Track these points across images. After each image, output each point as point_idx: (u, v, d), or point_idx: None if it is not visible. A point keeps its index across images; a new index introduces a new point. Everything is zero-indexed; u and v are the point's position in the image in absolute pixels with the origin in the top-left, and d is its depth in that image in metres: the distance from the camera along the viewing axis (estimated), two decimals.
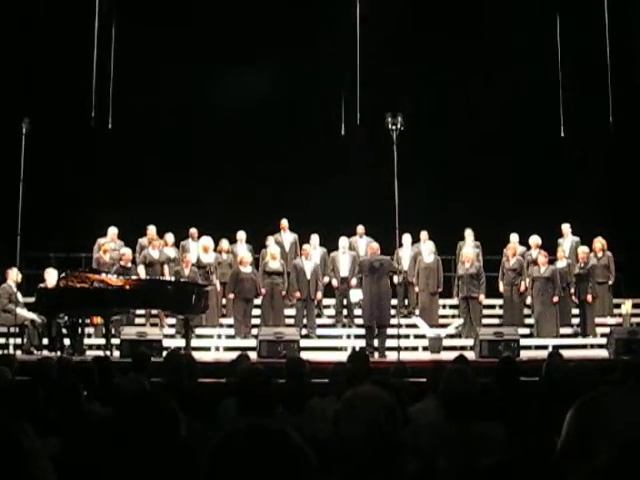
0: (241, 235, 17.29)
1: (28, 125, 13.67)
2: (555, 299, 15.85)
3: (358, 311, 15.83)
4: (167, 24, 18.49)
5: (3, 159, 15.61)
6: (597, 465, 1.81)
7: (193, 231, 17.15)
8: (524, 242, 16.99)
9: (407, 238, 16.85)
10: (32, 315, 14.59)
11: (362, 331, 15.17)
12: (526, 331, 15.92)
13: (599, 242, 16.66)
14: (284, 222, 17.54)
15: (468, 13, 18.86)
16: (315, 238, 16.98)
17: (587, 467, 1.85)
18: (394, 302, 15.93)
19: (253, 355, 12.39)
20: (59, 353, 13.55)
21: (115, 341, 14.39)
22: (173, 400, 2.66)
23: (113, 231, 16.83)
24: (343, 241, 16.86)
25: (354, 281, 16.02)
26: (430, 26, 18.97)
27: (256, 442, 1.82)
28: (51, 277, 14.88)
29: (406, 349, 15.13)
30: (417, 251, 17.05)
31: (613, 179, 18.77)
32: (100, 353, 13.18)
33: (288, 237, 17.60)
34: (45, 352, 14.00)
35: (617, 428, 1.96)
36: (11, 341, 14.21)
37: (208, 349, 15.50)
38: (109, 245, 16.40)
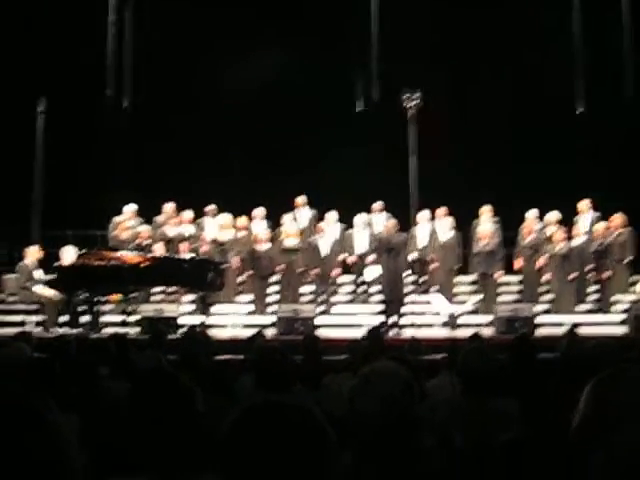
0: (259, 212, 17.23)
1: (44, 104, 13.70)
2: (572, 276, 15.81)
3: (373, 288, 15.83)
4: (181, 4, 18.46)
5: (20, 138, 15.66)
6: (617, 441, 1.81)
7: (211, 208, 17.14)
8: (542, 218, 16.92)
9: (424, 214, 16.74)
10: (50, 292, 14.68)
11: (378, 308, 15.20)
12: (543, 308, 15.90)
13: (618, 218, 16.53)
14: (300, 199, 17.49)
15: None
16: (333, 215, 16.89)
17: (606, 442, 1.85)
18: (411, 279, 15.91)
19: (270, 332, 12.43)
20: (77, 330, 13.64)
21: (133, 318, 14.46)
22: (188, 375, 2.68)
23: (131, 209, 16.84)
24: (360, 218, 16.79)
25: (370, 258, 16.01)
26: (448, 2, 18.88)
27: (275, 416, 1.83)
28: (68, 254, 14.94)
29: (422, 326, 15.13)
30: (434, 228, 16.99)
31: (633, 155, 18.62)
32: (118, 330, 13.24)
33: (306, 214, 17.54)
34: (64, 329, 14.09)
35: (634, 405, 1.96)
36: (30, 318, 14.29)
37: (225, 326, 15.55)
38: (128, 223, 16.44)
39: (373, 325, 13.87)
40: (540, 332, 13.87)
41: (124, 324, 14.40)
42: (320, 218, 17.01)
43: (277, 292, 16.33)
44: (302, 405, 1.87)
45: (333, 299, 16.41)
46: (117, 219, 16.73)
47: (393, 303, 14.45)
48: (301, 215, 17.50)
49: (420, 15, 18.59)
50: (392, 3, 18.15)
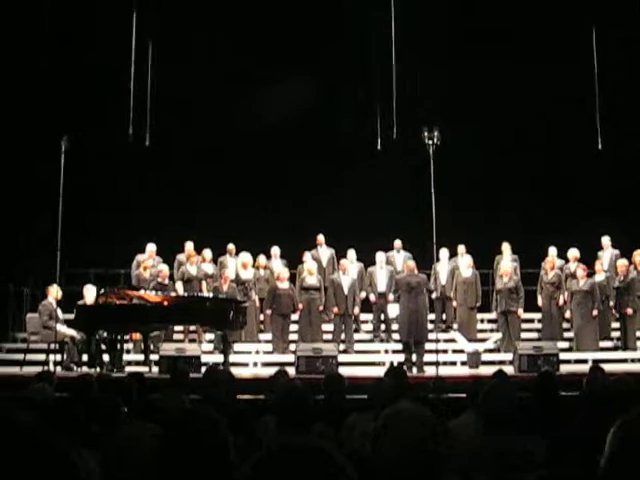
0: (275, 250, 17.33)
1: (67, 143, 13.78)
2: (594, 312, 15.71)
3: (396, 326, 15.79)
4: (203, 42, 18.62)
5: (43, 176, 15.76)
6: None
7: (231, 247, 17.21)
8: (562, 255, 16.89)
9: (444, 252, 16.80)
10: (72, 332, 14.70)
11: (400, 346, 15.15)
12: (565, 345, 15.81)
13: (638, 255, 16.49)
14: (320, 237, 17.55)
15: (505, 25, 18.81)
16: (352, 253, 16.98)
17: None
18: (432, 317, 15.87)
19: (291, 371, 12.39)
20: (99, 369, 13.65)
21: (154, 357, 14.46)
22: (223, 419, 2.62)
23: (151, 248, 16.91)
24: (380, 256, 16.85)
25: (392, 296, 15.98)
26: (467, 38, 18.95)
27: (296, 460, 1.81)
28: (90, 293, 14.99)
29: (444, 364, 15.07)
30: (455, 265, 16.99)
31: None
32: (139, 369, 13.23)
33: (325, 252, 17.60)
34: (85, 368, 14.11)
35: None
36: (51, 357, 14.30)
37: (246, 365, 15.52)
38: (149, 262, 16.49)
39: (395, 363, 13.85)
40: (564, 369, 13.76)
41: (146, 363, 14.43)
42: (342, 256, 17.05)
43: (295, 332, 16.31)
44: (323, 448, 1.85)
45: (355, 337, 16.38)
46: (140, 257, 16.81)
47: (416, 343, 14.38)
48: (322, 253, 17.55)
49: (439, 55, 18.68)
50: (412, 42, 18.21)
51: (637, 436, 1.93)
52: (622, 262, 16.42)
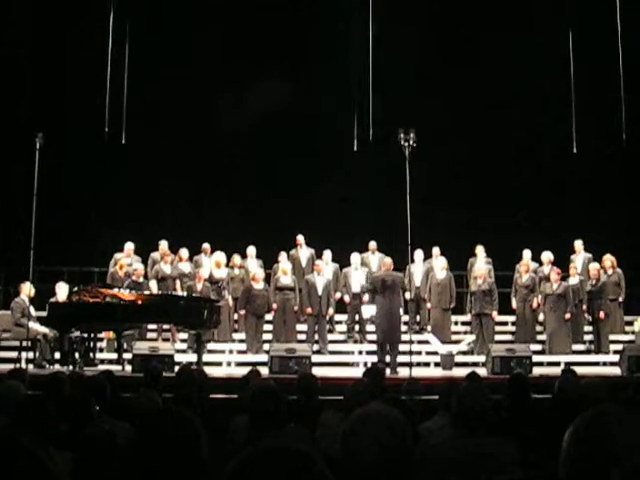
0: (251, 251, 17.30)
1: (42, 140, 13.70)
2: (567, 316, 15.78)
3: (370, 327, 15.80)
4: (180, 40, 18.58)
5: (17, 173, 15.67)
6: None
7: (206, 246, 17.16)
8: (537, 258, 16.95)
9: (419, 254, 16.82)
10: (45, 329, 14.62)
11: (374, 347, 15.16)
12: (538, 348, 15.87)
13: (608, 260, 16.61)
14: (300, 238, 17.52)
15: (480, 28, 18.90)
16: (327, 254, 16.99)
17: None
18: (406, 318, 15.89)
19: (264, 371, 12.37)
20: (71, 367, 13.58)
21: (127, 356, 14.40)
22: (196, 418, 2.61)
23: (129, 246, 16.87)
24: (355, 257, 16.86)
25: (366, 297, 16.00)
26: (444, 41, 19.02)
27: (276, 462, 1.80)
28: (62, 291, 14.91)
29: (418, 365, 15.09)
30: (429, 267, 17.03)
31: (625, 195, 18.69)
32: (112, 367, 13.16)
33: (305, 253, 17.58)
34: (57, 366, 14.02)
35: (619, 448, 1.94)
36: (23, 355, 14.21)
37: (220, 364, 15.50)
38: (125, 260, 16.44)
39: (372, 363, 13.86)
40: (536, 372, 13.82)
41: (119, 362, 14.36)
42: (318, 257, 17.08)
43: (269, 332, 16.31)
44: (302, 450, 1.85)
45: (328, 338, 16.38)
46: (117, 256, 16.76)
47: (390, 342, 14.38)
48: (301, 254, 17.53)
49: (417, 56, 18.72)
50: (390, 43, 18.26)
51: (593, 436, 1.95)
52: (594, 266, 16.52)
